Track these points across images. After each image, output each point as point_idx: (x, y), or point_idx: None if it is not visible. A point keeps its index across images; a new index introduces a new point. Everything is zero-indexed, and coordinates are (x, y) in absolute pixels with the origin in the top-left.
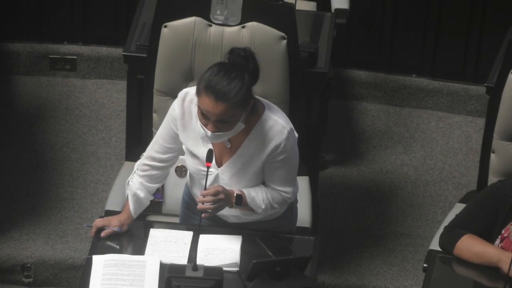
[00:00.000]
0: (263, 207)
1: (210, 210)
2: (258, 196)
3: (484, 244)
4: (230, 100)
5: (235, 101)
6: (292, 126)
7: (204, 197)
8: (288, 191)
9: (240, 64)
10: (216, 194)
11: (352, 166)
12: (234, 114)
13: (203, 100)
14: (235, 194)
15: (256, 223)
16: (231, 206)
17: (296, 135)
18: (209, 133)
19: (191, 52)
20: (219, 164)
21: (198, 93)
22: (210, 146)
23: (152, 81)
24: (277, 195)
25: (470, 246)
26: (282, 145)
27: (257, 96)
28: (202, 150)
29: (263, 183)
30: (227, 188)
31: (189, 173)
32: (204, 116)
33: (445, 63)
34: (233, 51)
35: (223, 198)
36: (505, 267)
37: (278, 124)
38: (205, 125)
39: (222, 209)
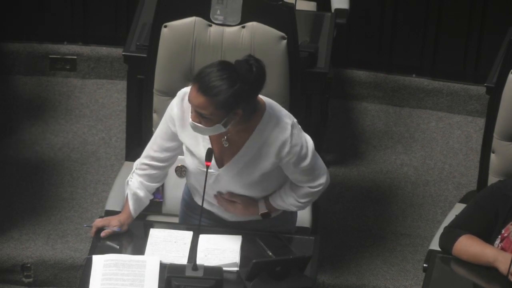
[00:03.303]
0: (295, 208)
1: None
2: (282, 202)
3: (481, 244)
4: (210, 97)
5: (215, 100)
6: (294, 120)
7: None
8: (320, 183)
9: (241, 71)
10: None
11: (352, 166)
12: (213, 113)
13: (191, 88)
14: (260, 212)
15: (256, 222)
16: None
17: (299, 127)
18: (190, 120)
19: (191, 52)
20: (219, 165)
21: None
22: (209, 145)
23: (152, 81)
24: (303, 192)
25: (468, 246)
26: (289, 141)
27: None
28: (201, 150)
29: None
30: (229, 188)
31: (188, 172)
32: (189, 101)
33: (445, 63)
34: (246, 57)
35: (230, 207)
36: (502, 267)
37: (280, 121)
38: (190, 112)
39: (240, 212)
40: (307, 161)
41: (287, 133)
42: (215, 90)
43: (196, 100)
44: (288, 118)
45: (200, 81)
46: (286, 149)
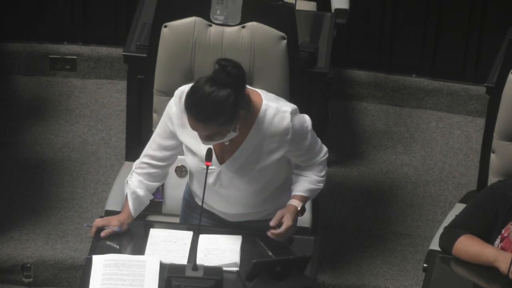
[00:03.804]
0: (322, 185)
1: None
2: (311, 184)
3: (481, 244)
4: (212, 121)
5: (218, 121)
6: (294, 106)
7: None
8: (325, 151)
9: (223, 81)
10: (287, 231)
11: (352, 166)
12: (221, 129)
13: (188, 118)
14: (299, 208)
15: (256, 223)
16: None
17: (298, 112)
18: (201, 140)
19: (191, 52)
20: (221, 161)
21: (184, 108)
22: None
23: (152, 81)
24: (319, 163)
25: (468, 246)
26: (290, 127)
27: (251, 88)
28: (201, 148)
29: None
30: (231, 185)
31: (189, 172)
32: (193, 129)
33: (445, 63)
34: (220, 64)
35: (292, 225)
36: (502, 266)
37: (279, 111)
38: (198, 134)
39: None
40: (307, 141)
41: (287, 121)
42: (214, 114)
43: (201, 129)
44: (287, 106)
45: (194, 111)
46: (289, 136)
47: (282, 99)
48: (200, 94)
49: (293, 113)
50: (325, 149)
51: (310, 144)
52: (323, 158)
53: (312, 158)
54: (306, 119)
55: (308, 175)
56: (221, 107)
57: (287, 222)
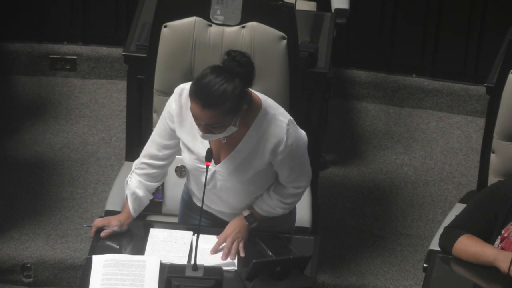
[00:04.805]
0: (281, 211)
1: (235, 251)
2: (269, 206)
3: (481, 244)
4: (217, 108)
5: (223, 108)
6: (291, 117)
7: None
8: (301, 185)
9: (233, 70)
10: (222, 242)
11: (352, 166)
12: (224, 120)
13: (192, 105)
14: (244, 216)
15: None
16: (250, 225)
17: (295, 124)
18: (201, 132)
19: (191, 52)
20: (216, 161)
21: (189, 96)
22: (208, 143)
23: (152, 81)
24: (288, 193)
25: (468, 246)
26: (284, 139)
27: (253, 91)
28: (199, 146)
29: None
30: (226, 185)
31: (187, 174)
32: (195, 118)
33: (445, 63)
34: (229, 54)
35: (234, 237)
36: (502, 266)
37: (277, 119)
38: (198, 126)
39: (244, 239)
40: (297, 158)
41: (283, 131)
42: (220, 100)
43: (205, 116)
44: (283, 116)
45: (201, 97)
46: (281, 147)
47: (280, 107)
48: (207, 80)
49: (289, 125)
50: (304, 182)
51: (295, 165)
52: (297, 191)
53: (288, 181)
54: (302, 137)
55: (272, 196)
56: (227, 95)
57: (225, 231)
